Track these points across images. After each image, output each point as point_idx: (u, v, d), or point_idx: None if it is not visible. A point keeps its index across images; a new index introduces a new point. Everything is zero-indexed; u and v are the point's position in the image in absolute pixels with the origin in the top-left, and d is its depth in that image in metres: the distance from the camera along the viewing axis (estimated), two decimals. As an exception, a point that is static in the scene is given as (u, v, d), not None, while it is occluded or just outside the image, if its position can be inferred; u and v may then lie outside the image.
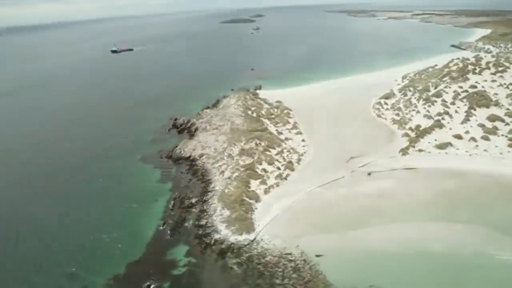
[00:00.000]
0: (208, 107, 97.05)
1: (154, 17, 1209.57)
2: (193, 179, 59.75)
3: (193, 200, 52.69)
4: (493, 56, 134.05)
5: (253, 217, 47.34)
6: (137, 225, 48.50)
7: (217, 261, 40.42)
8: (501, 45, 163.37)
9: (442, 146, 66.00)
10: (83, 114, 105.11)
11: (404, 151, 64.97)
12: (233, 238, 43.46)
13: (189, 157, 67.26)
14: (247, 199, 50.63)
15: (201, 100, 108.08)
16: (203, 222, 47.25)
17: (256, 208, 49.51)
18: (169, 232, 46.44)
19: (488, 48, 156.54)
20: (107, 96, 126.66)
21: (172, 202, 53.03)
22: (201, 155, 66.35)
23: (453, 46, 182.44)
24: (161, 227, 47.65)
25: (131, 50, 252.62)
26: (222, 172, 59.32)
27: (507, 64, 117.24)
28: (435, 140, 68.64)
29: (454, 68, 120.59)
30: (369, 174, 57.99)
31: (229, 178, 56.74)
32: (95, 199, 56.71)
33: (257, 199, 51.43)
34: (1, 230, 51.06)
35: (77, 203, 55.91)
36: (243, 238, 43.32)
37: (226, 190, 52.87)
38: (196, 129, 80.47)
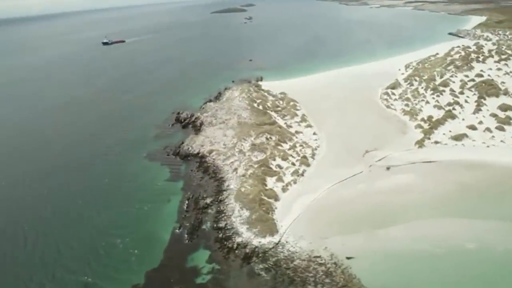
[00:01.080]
0: (210, 100, 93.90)
1: (143, 7, 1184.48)
2: (205, 177, 57.09)
3: (208, 200, 50.14)
4: (494, 44, 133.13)
5: (275, 218, 45.08)
6: (151, 228, 45.83)
7: (242, 267, 38.04)
8: (500, 32, 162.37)
9: (458, 137, 64.41)
10: (79, 109, 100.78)
11: (420, 144, 63.21)
12: (257, 241, 41.13)
13: (198, 153, 64.48)
14: (266, 198, 48.29)
15: (201, 93, 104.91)
16: (222, 224, 44.78)
17: (276, 208, 47.23)
18: (186, 235, 43.83)
19: (488, 36, 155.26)
20: (103, 90, 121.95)
21: (186, 202, 50.35)
22: (210, 152, 63.64)
23: (451, 34, 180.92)
24: (177, 230, 45.01)
25: (123, 42, 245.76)
26: (235, 169, 56.75)
27: (509, 52, 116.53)
28: (450, 131, 67.03)
29: (457, 56, 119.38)
30: (387, 168, 56.08)
31: (243, 175, 54.21)
32: (102, 200, 53.66)
33: (276, 197, 49.14)
34: (8, 235, 47.86)
35: (83, 205, 52.81)
36: (267, 241, 41.03)
37: (243, 189, 50.41)
38: (201, 124, 77.52)
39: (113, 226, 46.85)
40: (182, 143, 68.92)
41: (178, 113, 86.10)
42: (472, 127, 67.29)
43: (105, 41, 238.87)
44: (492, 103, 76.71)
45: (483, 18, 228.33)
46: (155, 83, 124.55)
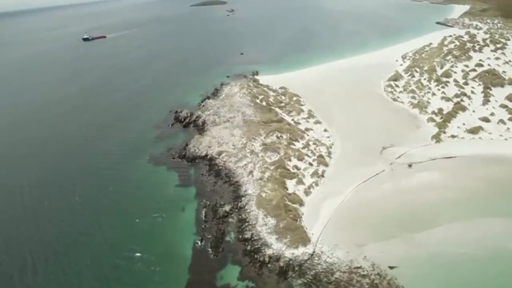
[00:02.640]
0: (208, 97, 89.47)
1: (121, 1, 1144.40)
2: (218, 182, 53.32)
3: (227, 208, 46.55)
4: (485, 33, 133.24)
5: (303, 225, 42.03)
6: (170, 242, 41.99)
7: (279, 284, 34.86)
8: (488, 21, 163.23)
9: (473, 130, 62.90)
10: (68, 111, 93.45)
11: (437, 138, 61.33)
12: (289, 252, 38.02)
13: (206, 155, 60.54)
14: (291, 204, 45.15)
15: (196, 89, 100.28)
16: (247, 234, 41.36)
17: (302, 214, 44.18)
18: (210, 249, 40.24)
19: (477, 25, 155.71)
20: (91, 90, 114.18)
21: (203, 211, 46.62)
22: (219, 153, 59.83)
23: (438, 23, 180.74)
24: (199, 243, 41.34)
25: (104, 37, 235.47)
26: (251, 172, 53.23)
27: (503, 40, 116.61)
28: (464, 124, 65.51)
29: (452, 46, 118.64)
30: (409, 166, 53.83)
31: (261, 179, 50.78)
32: (111, 211, 49.06)
33: (301, 202, 46.03)
34: (12, 256, 42.80)
35: (91, 217, 48.12)
36: (300, 252, 37.99)
37: (263, 194, 47.09)
38: (204, 123, 73.35)
39: (127, 240, 42.69)
40: (187, 144, 64.77)
41: (177, 111, 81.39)
42: (485, 119, 65.91)
43: (85, 37, 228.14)
44: (498, 93, 75.78)
45: (466, 7, 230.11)
46: (145, 81, 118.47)
